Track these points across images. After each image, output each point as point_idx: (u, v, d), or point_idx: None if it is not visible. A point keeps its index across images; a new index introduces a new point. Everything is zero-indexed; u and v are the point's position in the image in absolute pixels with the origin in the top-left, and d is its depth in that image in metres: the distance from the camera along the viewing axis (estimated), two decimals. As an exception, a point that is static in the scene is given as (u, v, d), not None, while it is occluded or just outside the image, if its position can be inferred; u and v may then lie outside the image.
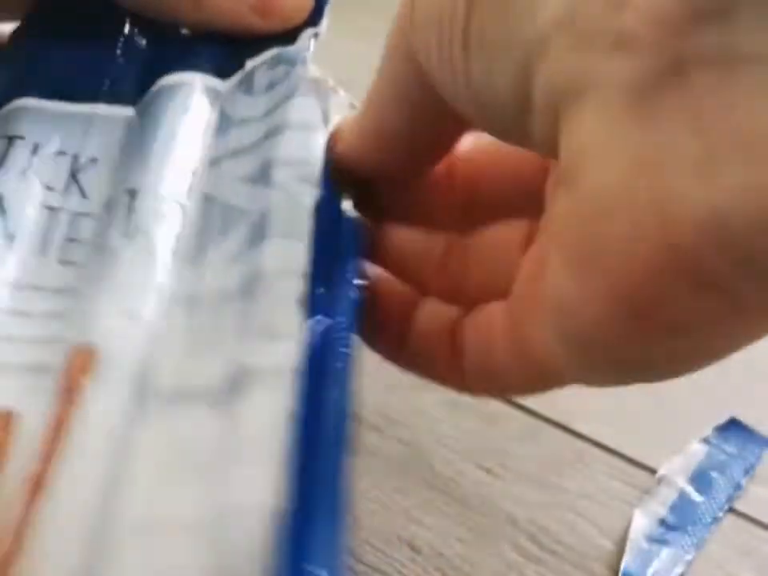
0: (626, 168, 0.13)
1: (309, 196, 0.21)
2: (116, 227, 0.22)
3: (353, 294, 0.20)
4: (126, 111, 0.25)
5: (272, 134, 0.23)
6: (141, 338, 0.19)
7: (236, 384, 0.18)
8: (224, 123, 0.24)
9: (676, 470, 0.29)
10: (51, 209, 0.23)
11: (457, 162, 0.23)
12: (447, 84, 0.17)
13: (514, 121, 0.16)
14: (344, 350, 0.18)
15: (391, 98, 0.20)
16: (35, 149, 0.24)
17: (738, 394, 0.32)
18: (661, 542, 0.27)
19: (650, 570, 0.26)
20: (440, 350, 0.21)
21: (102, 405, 0.18)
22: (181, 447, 0.17)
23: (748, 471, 0.29)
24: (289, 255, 0.20)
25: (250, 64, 0.25)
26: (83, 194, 0.23)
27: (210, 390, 0.18)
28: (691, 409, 0.31)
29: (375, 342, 0.21)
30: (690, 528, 0.27)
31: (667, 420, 0.31)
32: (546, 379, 0.19)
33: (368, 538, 0.27)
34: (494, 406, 0.31)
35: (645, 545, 0.27)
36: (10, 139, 0.24)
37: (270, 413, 0.17)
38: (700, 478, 0.29)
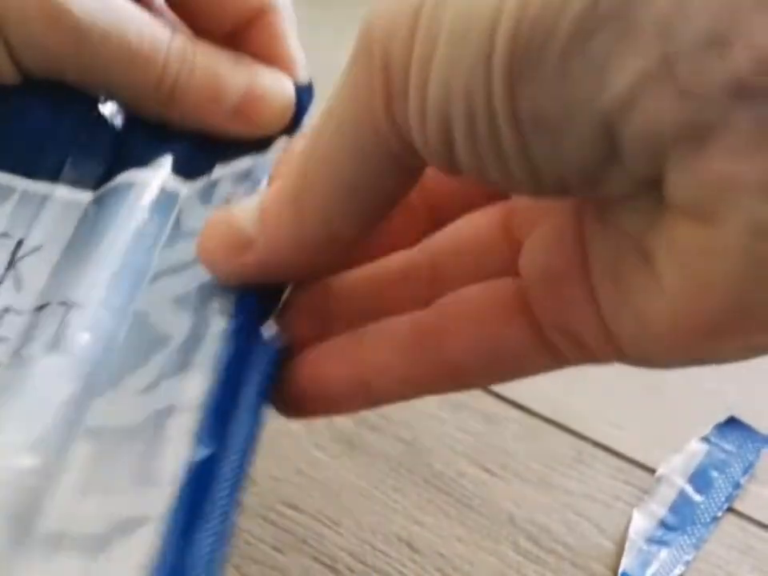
0: None
1: (223, 326, 0.20)
2: (42, 338, 0.21)
3: (250, 428, 0.19)
4: (85, 196, 0.24)
5: None
6: (37, 474, 0.18)
7: (113, 533, 0.17)
8: (174, 234, 0.23)
9: (675, 469, 0.29)
10: None
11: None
12: (484, 171, 0.16)
13: (581, 181, 0.15)
14: (228, 491, 0.17)
15: (349, 196, 0.18)
16: None
17: (737, 392, 0.32)
18: (660, 542, 0.27)
19: (650, 571, 0.26)
20: (413, 362, 0.20)
21: None
22: None
23: (747, 470, 0.30)
24: (191, 390, 0.19)
25: (218, 172, 0.24)
26: (19, 286, 0.22)
27: (87, 538, 0.17)
28: (691, 407, 0.31)
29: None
30: (689, 528, 0.28)
31: (667, 419, 0.31)
32: (586, 361, 0.19)
33: (368, 538, 0.28)
34: (494, 406, 0.31)
35: (644, 546, 0.27)
36: None
37: (128, 569, 0.16)
38: (699, 478, 0.29)
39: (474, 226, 0.21)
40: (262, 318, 0.20)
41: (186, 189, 0.24)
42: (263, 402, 0.19)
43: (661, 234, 0.16)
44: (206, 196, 0.23)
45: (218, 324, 0.20)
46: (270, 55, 0.25)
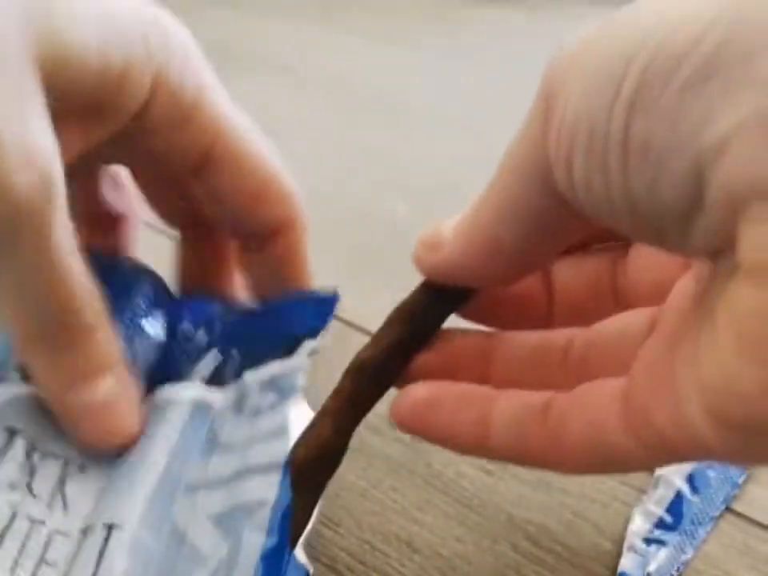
0: None
1: (258, 549, 0.21)
2: (86, 564, 0.22)
3: None
4: None
5: (242, 475, 0.23)
6: None
7: None
8: (210, 444, 0.24)
9: (673, 469, 0.29)
10: (33, 521, 0.22)
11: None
12: (594, 196, 0.17)
13: (674, 225, 0.16)
14: None
15: (511, 209, 0.19)
16: (32, 449, 0.23)
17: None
18: (658, 542, 0.27)
19: (648, 571, 0.26)
20: (531, 432, 0.21)
21: None
22: None
23: (745, 470, 0.30)
24: None
25: (248, 377, 0.25)
26: (65, 507, 0.23)
27: None
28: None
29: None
30: (687, 528, 0.28)
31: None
32: (671, 457, 0.19)
33: (367, 538, 0.28)
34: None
35: (642, 546, 0.27)
36: (12, 434, 0.23)
37: None
38: (697, 478, 0.29)
39: (626, 321, 0.22)
40: (296, 539, 0.22)
41: (219, 398, 0.25)
42: None
43: (726, 296, 0.15)
44: (239, 406, 0.25)
45: (254, 543, 0.21)
46: (283, 266, 0.28)
